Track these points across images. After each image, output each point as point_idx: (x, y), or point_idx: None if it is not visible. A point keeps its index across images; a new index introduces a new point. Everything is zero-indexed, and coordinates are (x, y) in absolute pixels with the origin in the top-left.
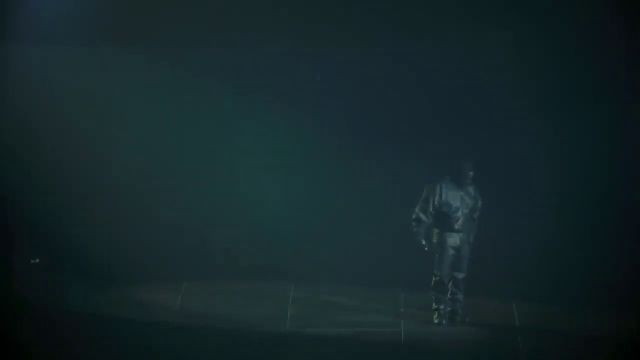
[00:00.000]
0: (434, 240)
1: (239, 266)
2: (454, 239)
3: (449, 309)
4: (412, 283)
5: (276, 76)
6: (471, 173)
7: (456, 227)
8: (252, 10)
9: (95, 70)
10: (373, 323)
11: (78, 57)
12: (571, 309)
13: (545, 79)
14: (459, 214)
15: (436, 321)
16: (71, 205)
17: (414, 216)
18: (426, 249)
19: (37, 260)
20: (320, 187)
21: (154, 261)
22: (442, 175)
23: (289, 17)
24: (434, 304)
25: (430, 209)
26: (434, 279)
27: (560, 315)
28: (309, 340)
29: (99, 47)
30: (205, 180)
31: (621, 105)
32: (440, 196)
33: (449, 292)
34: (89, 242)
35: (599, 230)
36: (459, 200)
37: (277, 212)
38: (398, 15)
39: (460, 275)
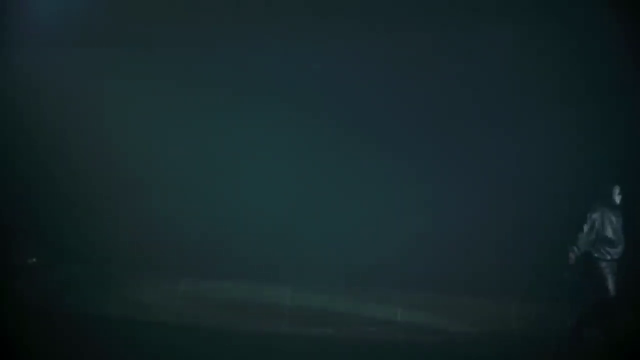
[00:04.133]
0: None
1: (239, 266)
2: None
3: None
4: (410, 284)
5: (278, 77)
6: (619, 194)
7: (616, 252)
8: (253, 10)
9: (97, 70)
10: (372, 323)
11: (79, 58)
12: (570, 309)
13: (545, 79)
14: (618, 239)
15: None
16: (71, 205)
17: (575, 246)
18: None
19: (34, 259)
20: (321, 189)
21: (153, 261)
22: (594, 200)
23: (288, 18)
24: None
25: (592, 238)
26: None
27: (558, 314)
28: (309, 340)
29: (101, 48)
30: (205, 182)
31: (623, 105)
32: (603, 224)
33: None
34: (88, 242)
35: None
36: (617, 225)
37: (277, 213)
38: (398, 15)
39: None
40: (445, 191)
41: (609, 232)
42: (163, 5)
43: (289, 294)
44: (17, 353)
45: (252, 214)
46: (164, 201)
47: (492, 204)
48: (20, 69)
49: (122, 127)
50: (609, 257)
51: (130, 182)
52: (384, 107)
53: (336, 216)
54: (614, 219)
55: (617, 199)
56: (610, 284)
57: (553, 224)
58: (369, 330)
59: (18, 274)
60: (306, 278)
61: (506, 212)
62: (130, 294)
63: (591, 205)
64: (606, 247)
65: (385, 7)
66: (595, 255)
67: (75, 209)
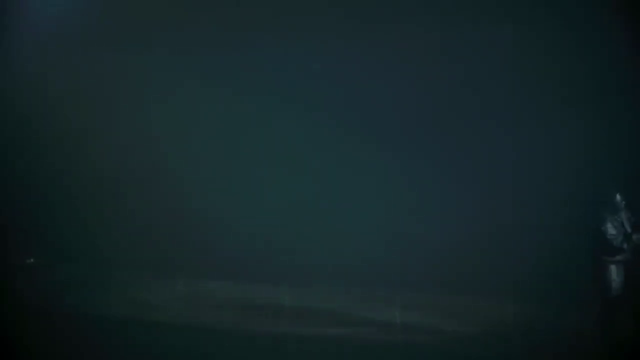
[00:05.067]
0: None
1: (238, 266)
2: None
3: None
4: (411, 284)
5: (273, 76)
6: (620, 196)
7: (621, 254)
8: (253, 10)
9: (95, 69)
10: (371, 323)
11: (78, 58)
12: (568, 309)
13: (545, 79)
14: (622, 241)
15: None
16: (71, 205)
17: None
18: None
19: (32, 259)
20: (321, 189)
21: (154, 261)
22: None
23: (287, 16)
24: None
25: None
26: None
27: (556, 315)
28: (307, 340)
29: (101, 48)
30: (205, 182)
31: (624, 105)
32: (608, 228)
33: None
34: (88, 242)
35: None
36: (621, 227)
37: (276, 213)
38: (398, 14)
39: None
40: (444, 191)
41: (614, 235)
42: (163, 6)
43: (288, 294)
44: (17, 353)
45: (251, 213)
46: (164, 202)
47: (492, 203)
48: (20, 68)
49: (121, 127)
50: (616, 259)
51: (130, 184)
52: (385, 107)
53: (335, 216)
54: (617, 221)
55: (619, 201)
56: (615, 287)
57: (553, 224)
58: (368, 330)
59: (18, 274)
60: (305, 277)
61: (506, 212)
62: (130, 294)
63: (596, 210)
64: (611, 249)
65: (384, 5)
66: (603, 257)
67: (75, 208)
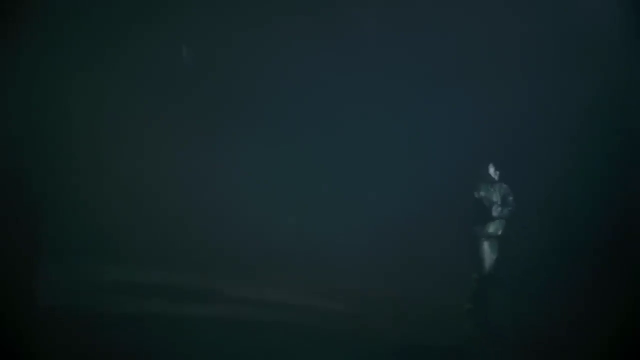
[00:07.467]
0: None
1: (235, 266)
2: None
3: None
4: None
5: (274, 76)
6: (494, 170)
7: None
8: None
9: (96, 70)
10: (330, 318)
11: (80, 58)
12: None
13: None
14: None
15: None
16: (71, 205)
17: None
18: None
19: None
20: (306, 191)
21: (153, 261)
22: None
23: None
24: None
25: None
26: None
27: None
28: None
29: (100, 48)
30: (202, 183)
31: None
32: (481, 203)
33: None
34: (88, 242)
35: (596, 229)
36: (494, 203)
37: (264, 214)
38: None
39: None
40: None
41: (487, 210)
42: (162, 7)
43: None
44: (19, 352)
45: (241, 215)
46: (164, 202)
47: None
48: (21, 69)
49: (125, 130)
50: (488, 235)
51: (127, 184)
52: (376, 107)
53: (318, 216)
54: (489, 197)
55: (494, 175)
56: (488, 263)
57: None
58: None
59: (18, 274)
60: (291, 278)
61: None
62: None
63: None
64: (484, 225)
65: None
66: (476, 234)
67: (76, 209)
